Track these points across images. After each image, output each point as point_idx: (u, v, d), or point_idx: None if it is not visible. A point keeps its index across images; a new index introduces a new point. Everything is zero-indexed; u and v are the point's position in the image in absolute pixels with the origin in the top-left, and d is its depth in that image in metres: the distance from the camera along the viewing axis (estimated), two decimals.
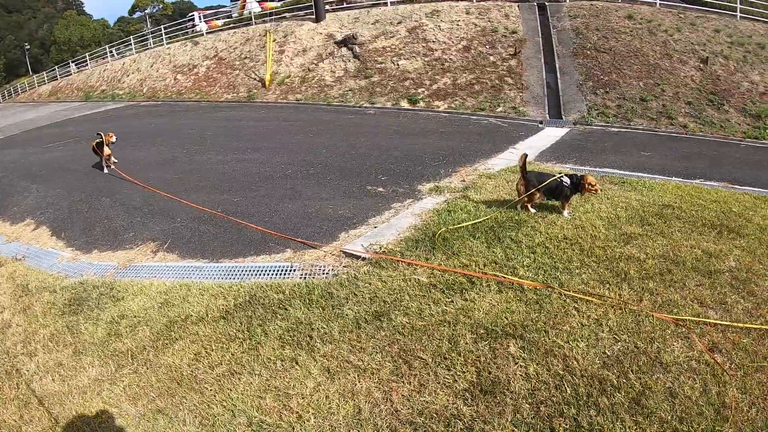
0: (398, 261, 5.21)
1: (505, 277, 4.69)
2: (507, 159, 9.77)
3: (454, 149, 10.70)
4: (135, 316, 5.59)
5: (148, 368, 4.41)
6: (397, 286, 4.79)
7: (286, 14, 25.63)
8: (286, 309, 4.75)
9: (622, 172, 8.39)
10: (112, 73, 31.80)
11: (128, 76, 29.55)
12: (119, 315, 5.68)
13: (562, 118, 13.49)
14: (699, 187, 7.29)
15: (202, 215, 8.34)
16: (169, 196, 9.26)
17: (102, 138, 10.84)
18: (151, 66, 28.37)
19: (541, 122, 13.11)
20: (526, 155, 6.13)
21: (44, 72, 44.42)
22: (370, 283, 4.93)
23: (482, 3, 20.74)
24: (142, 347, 4.80)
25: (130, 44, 35.28)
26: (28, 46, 75.31)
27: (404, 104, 16.77)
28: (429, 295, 4.56)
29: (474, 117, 14.36)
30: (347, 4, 23.86)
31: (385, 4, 21.54)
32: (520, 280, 4.61)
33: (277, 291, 5.16)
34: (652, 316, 4.00)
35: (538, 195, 6.02)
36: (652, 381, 3.32)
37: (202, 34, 28.25)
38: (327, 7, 23.19)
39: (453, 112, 15.39)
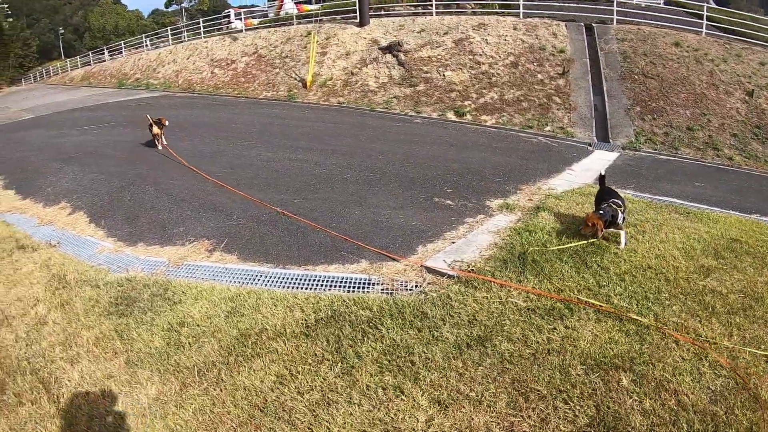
0: (490, 281, 4.94)
1: (614, 310, 4.48)
2: (567, 180, 9.35)
3: (511, 166, 10.22)
4: (198, 325, 4.93)
5: (221, 389, 3.89)
6: (495, 309, 4.51)
7: (324, 17, 25.89)
8: (377, 328, 4.35)
9: (681, 201, 7.95)
10: (147, 62, 32.00)
11: (164, 66, 29.70)
12: (179, 322, 4.98)
13: (609, 142, 13.24)
14: (759, 222, 7.01)
15: (261, 214, 7.75)
16: (234, 190, 8.74)
17: (150, 119, 11.54)
18: (188, 58, 28.53)
19: (590, 145, 12.82)
20: (603, 176, 6.36)
21: (78, 57, 44.80)
22: (465, 304, 4.61)
23: (529, 20, 20.57)
24: (211, 363, 4.26)
25: (165, 36, 35.81)
26: (62, 31, 76.37)
27: (451, 116, 16.43)
28: (530, 321, 4.32)
29: (523, 134, 14.00)
30: (385, 11, 24.11)
31: (431, 13, 21.71)
32: (631, 315, 4.40)
33: (363, 306, 4.73)
34: (745, 351, 3.88)
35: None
36: (756, 417, 3.22)
37: (241, 31, 28.56)
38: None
39: (501, 127, 15.05)
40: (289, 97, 20.37)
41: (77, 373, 4.44)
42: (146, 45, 37.97)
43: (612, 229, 5.81)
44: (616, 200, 5.82)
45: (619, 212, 5.63)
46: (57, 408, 4.03)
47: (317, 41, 21.63)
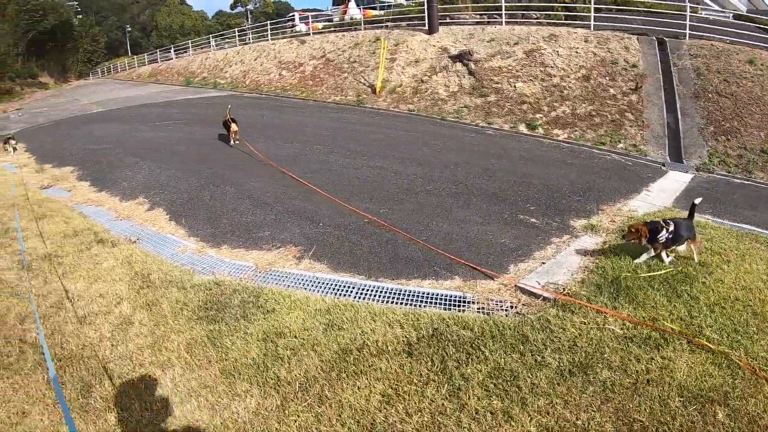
0: (587, 306, 4.84)
1: (708, 344, 4.30)
2: (646, 201, 8.90)
3: (589, 184, 9.76)
4: (295, 337, 4.68)
5: (326, 407, 3.73)
6: (594, 336, 4.38)
7: (389, 23, 25.50)
8: (480, 350, 4.22)
9: (761, 230, 7.44)
10: (215, 62, 32.60)
11: (231, 66, 30.16)
12: (275, 332, 4.74)
13: (682, 162, 12.53)
14: None
15: (348, 222, 7.53)
16: (332, 198, 8.56)
17: (228, 113, 12.06)
18: (255, 59, 28.76)
19: (663, 164, 12.17)
20: (695, 205, 5.99)
21: (145, 54, 46.36)
22: (564, 329, 4.49)
23: (601, 32, 19.92)
24: (313, 378, 4.07)
25: (229, 37, 36.61)
26: (129, 29, 78.94)
27: (522, 128, 15.92)
28: (628, 349, 4.19)
29: (596, 151, 13.44)
30: (450, 19, 23.71)
31: (499, 23, 21.15)
32: (723, 349, 4.24)
33: (463, 326, 4.58)
34: None
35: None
36: None
37: (308, 34, 28.49)
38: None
39: (573, 143, 14.48)
40: (358, 102, 20.26)
41: (170, 380, 4.25)
42: (212, 45, 38.83)
43: (674, 247, 5.70)
44: (678, 219, 5.73)
45: (665, 231, 5.49)
46: (150, 416, 3.81)
47: (385, 47, 21.34)
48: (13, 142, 16.14)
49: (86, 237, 7.50)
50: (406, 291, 5.42)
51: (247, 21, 76.55)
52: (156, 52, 44.63)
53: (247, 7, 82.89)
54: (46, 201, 9.55)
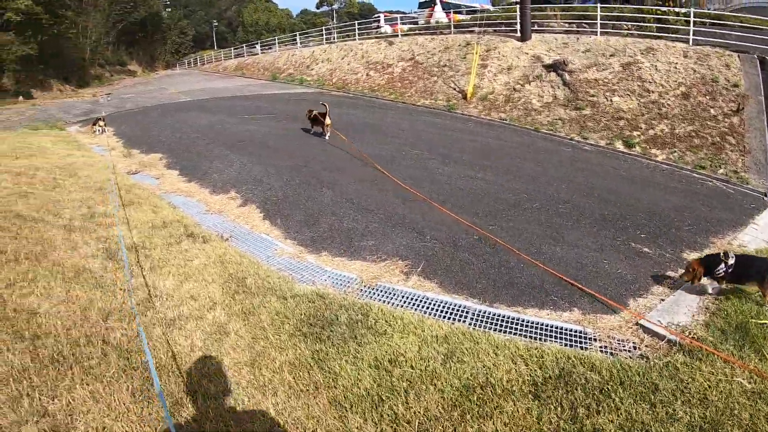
0: (714, 354, 4.42)
1: None
2: (753, 236, 8.20)
3: (696, 212, 8.96)
4: (412, 367, 4.12)
5: None
6: (723, 389, 3.95)
7: (476, 27, 25.07)
8: (610, 397, 3.82)
9: None
10: (301, 59, 32.90)
11: (317, 64, 30.38)
12: (389, 359, 4.20)
13: None
14: None
15: (457, 237, 6.93)
16: (440, 208, 8.07)
17: (326, 108, 11.99)
18: (342, 58, 28.87)
19: (765, 195, 11.22)
20: None
21: (232, 48, 47.73)
22: (693, 379, 4.07)
23: (700, 48, 18.62)
24: (434, 418, 3.58)
25: (318, 35, 36.99)
26: (216, 23, 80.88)
27: (619, 146, 15.01)
28: (756, 407, 3.76)
29: (696, 175, 12.47)
30: (538, 26, 23.44)
31: (590, 33, 20.61)
32: None
33: (590, 368, 4.17)
34: None
35: None
36: None
37: (397, 35, 28.29)
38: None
39: (672, 164, 13.54)
40: (448, 107, 19.91)
41: (272, 407, 3.72)
42: (298, 43, 39.26)
43: (739, 285, 5.37)
44: (742, 255, 5.46)
45: (723, 264, 5.18)
46: None
47: (478, 53, 21.06)
48: (101, 123, 16.47)
49: (175, 229, 7.17)
50: (524, 321, 5.02)
51: (332, 20, 77.20)
52: (243, 47, 45.69)
53: (333, 6, 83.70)
54: (134, 187, 9.39)
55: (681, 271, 5.81)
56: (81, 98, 30.56)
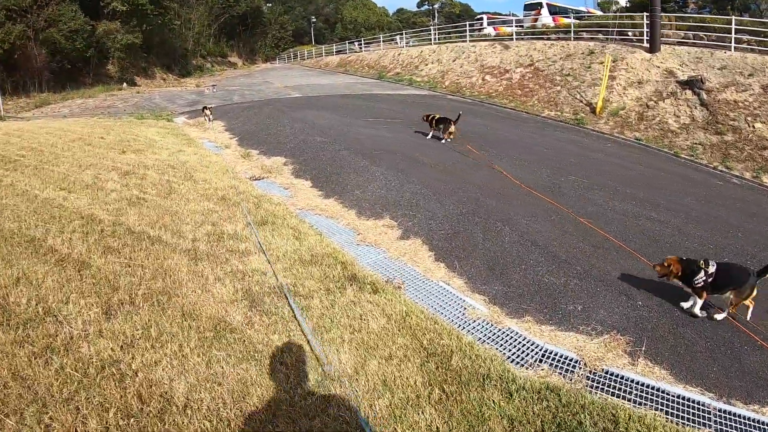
0: None
1: None
2: None
3: None
4: None
5: None
6: None
7: (583, 32, 24.81)
8: None
9: None
10: (408, 58, 32.39)
11: (426, 65, 29.74)
12: None
13: None
14: None
15: (670, 303, 5.34)
16: (640, 257, 6.15)
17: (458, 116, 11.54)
18: (453, 60, 28.13)
19: None
20: None
21: (334, 45, 48.26)
22: None
23: None
24: None
25: (425, 33, 36.21)
26: (314, 20, 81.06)
27: (766, 180, 13.33)
28: None
29: None
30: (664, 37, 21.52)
31: (728, 48, 19.13)
32: None
33: None
34: None
35: None
36: None
37: (511, 38, 27.61)
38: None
39: None
40: (576, 121, 18.52)
41: None
42: (399, 41, 38.93)
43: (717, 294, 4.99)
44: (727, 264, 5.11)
45: (702, 272, 4.89)
46: None
47: (602, 62, 20.05)
48: (208, 111, 15.76)
49: (331, 268, 5.55)
50: (764, 424, 3.82)
51: (433, 19, 75.92)
52: (345, 44, 45.77)
53: (435, 6, 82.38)
54: (263, 199, 7.96)
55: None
56: (185, 88, 30.23)
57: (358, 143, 11.41)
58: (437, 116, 12.28)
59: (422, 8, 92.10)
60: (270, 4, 65.64)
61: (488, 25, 38.61)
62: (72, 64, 29.11)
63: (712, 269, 4.92)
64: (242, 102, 20.72)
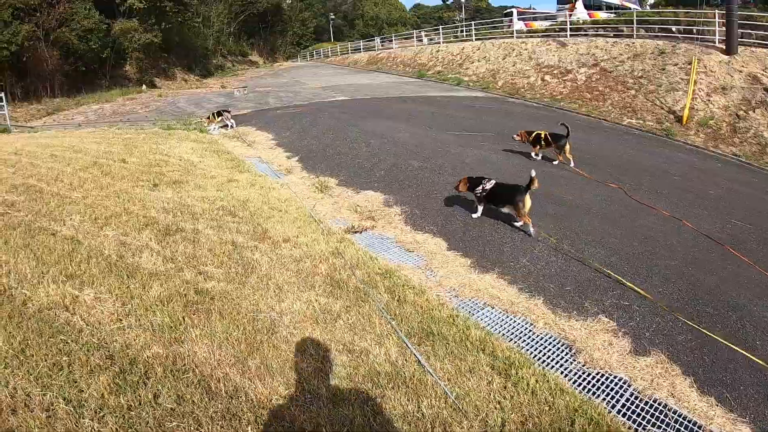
0: None
1: None
2: None
3: None
4: None
5: None
6: None
7: (623, 29, 23.99)
8: None
9: None
10: (449, 55, 30.14)
11: (472, 63, 27.39)
12: None
13: None
14: None
15: None
16: None
17: (567, 130, 9.16)
18: (503, 58, 25.96)
19: None
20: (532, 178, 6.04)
21: (361, 42, 46.20)
22: None
23: None
24: None
25: (450, 31, 35.05)
26: (333, 16, 78.64)
27: None
28: None
29: None
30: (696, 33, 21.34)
31: None
32: None
33: None
34: None
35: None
36: None
37: (565, 34, 26.02)
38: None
39: None
40: (664, 131, 16.59)
41: None
42: (424, 38, 37.43)
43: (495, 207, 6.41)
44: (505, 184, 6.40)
45: (480, 187, 6.38)
46: None
47: (676, 63, 19.01)
48: (228, 115, 13.89)
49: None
50: None
51: (460, 13, 73.17)
52: (375, 40, 44.61)
53: (463, 0, 79.67)
54: (395, 280, 4.99)
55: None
56: (209, 89, 27.33)
57: (462, 169, 8.35)
58: (544, 134, 9.48)
59: (448, 2, 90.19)
60: (289, 1, 63.12)
61: (519, 19, 36.70)
62: (87, 66, 26.22)
63: (489, 186, 6.35)
64: (281, 106, 17.71)
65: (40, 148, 10.30)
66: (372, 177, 8.59)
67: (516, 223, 6.29)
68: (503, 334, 4.16)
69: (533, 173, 5.90)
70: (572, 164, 9.32)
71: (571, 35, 25.46)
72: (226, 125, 13.81)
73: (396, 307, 4.34)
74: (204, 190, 7.44)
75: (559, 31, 26.83)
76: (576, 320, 4.41)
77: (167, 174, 8.16)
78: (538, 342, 4.11)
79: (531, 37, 27.42)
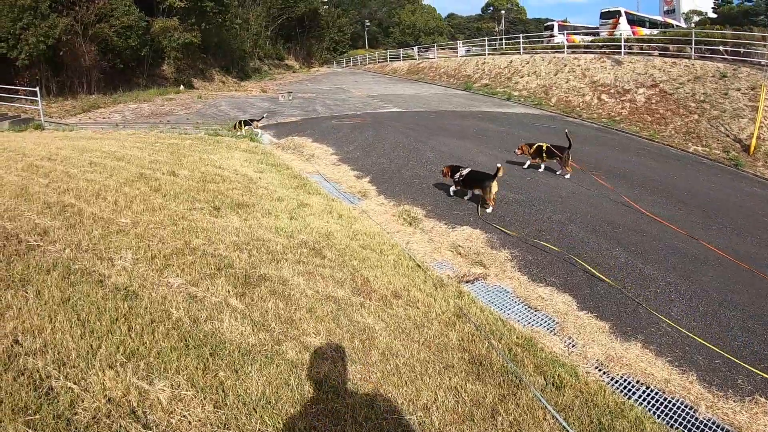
0: None
1: None
2: None
3: None
4: None
5: None
6: None
7: (669, 47, 23.41)
8: None
9: None
10: (495, 68, 28.99)
11: (521, 77, 26.51)
12: None
13: None
14: None
15: None
16: None
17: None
18: (555, 74, 25.11)
19: None
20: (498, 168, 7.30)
21: (400, 50, 45.82)
22: None
23: None
24: None
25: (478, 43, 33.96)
26: (368, 24, 77.89)
27: None
28: None
29: None
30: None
31: None
32: None
33: None
34: None
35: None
36: None
37: (619, 51, 24.91)
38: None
39: None
40: (732, 161, 15.68)
41: None
42: (460, 48, 36.82)
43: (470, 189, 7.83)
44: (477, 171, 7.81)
45: (459, 174, 7.78)
46: None
47: (738, 89, 18.36)
48: (256, 123, 13.32)
49: None
50: None
51: (499, 25, 71.98)
52: (414, 49, 43.70)
53: (502, 11, 78.30)
54: (538, 349, 4.12)
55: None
56: (250, 93, 26.34)
57: (597, 221, 7.16)
58: (546, 146, 9.45)
59: (486, 13, 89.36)
60: (326, 7, 62.52)
61: (559, 32, 36.41)
62: (124, 64, 25.16)
63: (465, 172, 7.69)
64: (333, 116, 16.51)
65: (77, 153, 9.08)
66: (464, 209, 7.55)
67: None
68: (671, 425, 3.52)
69: (498, 164, 7.35)
70: (568, 176, 9.44)
71: (624, 53, 24.54)
72: (258, 134, 13.02)
73: (556, 396, 3.45)
74: (275, 217, 6.20)
75: (602, 47, 26.22)
76: (733, 401, 3.83)
77: (227, 193, 6.94)
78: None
79: (586, 52, 26.43)
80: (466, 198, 7.93)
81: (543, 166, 9.76)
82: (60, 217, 5.28)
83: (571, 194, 8.37)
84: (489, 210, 7.32)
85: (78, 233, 4.83)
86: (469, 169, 7.68)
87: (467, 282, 5.21)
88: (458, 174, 7.68)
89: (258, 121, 13.35)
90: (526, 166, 9.82)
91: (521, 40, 31.29)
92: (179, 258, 4.51)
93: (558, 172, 9.65)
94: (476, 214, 7.34)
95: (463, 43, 42.28)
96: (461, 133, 13.02)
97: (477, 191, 7.55)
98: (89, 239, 4.71)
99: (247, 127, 13.09)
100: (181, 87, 26.73)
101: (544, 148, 9.37)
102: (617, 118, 19.50)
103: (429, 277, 5.11)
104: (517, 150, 9.71)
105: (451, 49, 40.58)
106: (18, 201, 5.68)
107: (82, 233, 4.84)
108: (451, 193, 7.99)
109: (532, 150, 9.55)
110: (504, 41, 34.48)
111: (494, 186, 7.25)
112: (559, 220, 7.13)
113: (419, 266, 5.38)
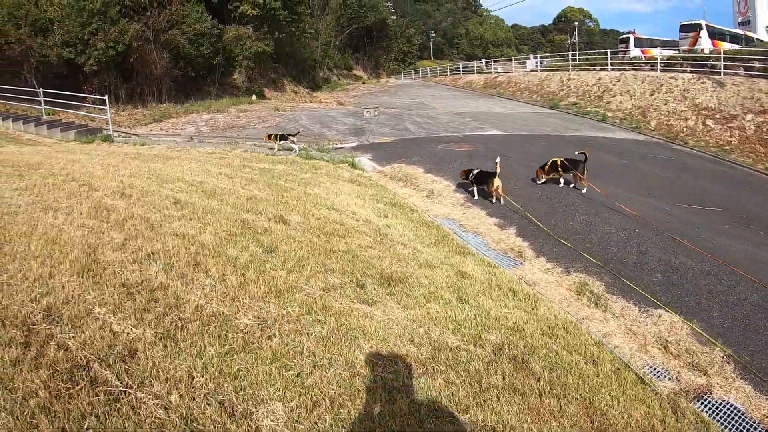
0: None
1: None
2: None
3: None
4: None
5: None
6: None
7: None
8: None
9: None
10: (582, 85, 27.39)
11: (613, 96, 24.86)
12: None
13: None
14: None
15: None
16: None
17: None
18: (651, 94, 23.40)
19: None
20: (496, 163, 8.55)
21: (476, 63, 45.36)
22: None
23: None
24: None
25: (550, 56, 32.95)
26: (434, 34, 76.99)
27: None
28: None
29: None
30: None
31: None
32: None
33: None
34: None
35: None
36: None
37: (719, 71, 22.85)
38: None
39: None
40: None
41: None
42: (531, 62, 36.22)
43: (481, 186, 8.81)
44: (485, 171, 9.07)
45: (472, 174, 8.92)
46: None
47: None
48: (293, 139, 12.35)
49: None
50: None
51: (572, 38, 69.83)
52: (491, 62, 42.90)
53: (575, 22, 76.10)
54: None
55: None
56: (326, 105, 25.13)
57: None
58: (560, 161, 9.53)
59: (557, 25, 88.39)
60: (394, 17, 61.67)
61: (635, 46, 35.63)
62: (196, 72, 24.19)
63: (475, 172, 8.86)
64: (429, 137, 14.85)
65: (155, 184, 7.39)
66: (648, 282, 5.88)
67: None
68: None
69: (498, 159, 8.64)
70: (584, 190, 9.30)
71: (722, 73, 22.56)
72: (293, 149, 12.22)
73: None
74: (442, 300, 4.51)
75: (682, 61, 25.31)
76: None
77: (362, 256, 5.25)
78: None
79: (666, 69, 25.30)
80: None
81: (562, 181, 9.83)
82: (149, 315, 3.47)
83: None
84: (502, 201, 8.58)
85: (182, 355, 3.08)
86: (477, 171, 9.06)
87: (693, 398, 3.86)
88: (471, 174, 8.98)
89: (294, 136, 12.35)
90: (541, 182, 9.83)
91: (608, 57, 29.84)
92: (353, 404, 2.84)
93: (571, 185, 9.72)
94: (670, 294, 5.61)
95: (533, 56, 41.04)
96: (599, 170, 11.00)
97: (487, 186, 8.81)
98: (203, 369, 2.97)
99: (282, 142, 12.25)
100: (254, 96, 25.78)
101: (558, 163, 9.54)
102: (726, 148, 17.93)
103: (660, 397, 3.63)
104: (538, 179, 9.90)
105: (519, 62, 39.52)
106: (83, 282, 3.84)
107: (189, 357, 3.08)
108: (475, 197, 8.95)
109: (546, 167, 9.72)
110: (578, 55, 33.48)
111: (496, 181, 8.55)
112: None
113: (642, 380, 3.78)
